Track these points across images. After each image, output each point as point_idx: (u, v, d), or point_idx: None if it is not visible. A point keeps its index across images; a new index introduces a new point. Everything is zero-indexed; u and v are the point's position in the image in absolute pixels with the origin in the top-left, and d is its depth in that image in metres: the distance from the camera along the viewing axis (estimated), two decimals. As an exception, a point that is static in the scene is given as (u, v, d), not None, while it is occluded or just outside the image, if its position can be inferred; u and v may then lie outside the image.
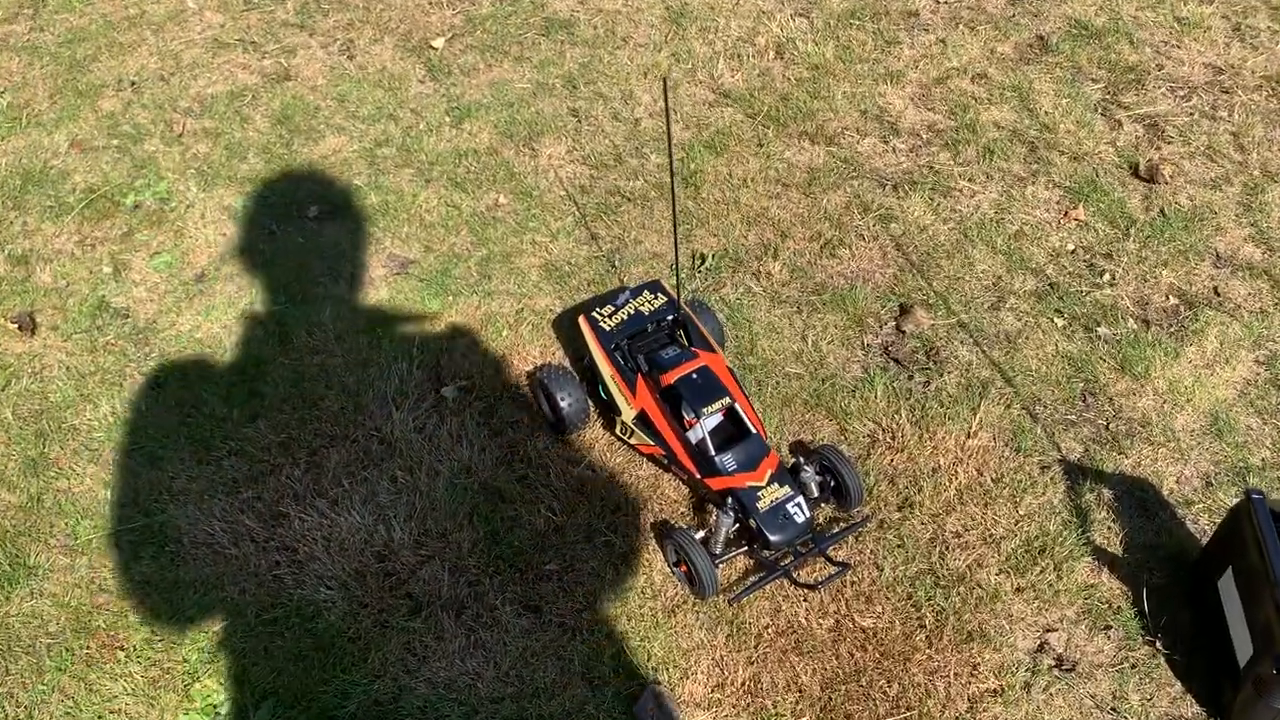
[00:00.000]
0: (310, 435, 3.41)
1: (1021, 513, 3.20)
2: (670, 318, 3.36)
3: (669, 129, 2.89)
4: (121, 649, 2.96)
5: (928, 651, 2.91)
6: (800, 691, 2.85)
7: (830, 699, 2.82)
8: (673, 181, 3.11)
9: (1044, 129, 4.41)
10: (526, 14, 5.06)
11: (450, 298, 3.83)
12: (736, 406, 3.13)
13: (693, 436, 3.11)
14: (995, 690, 2.85)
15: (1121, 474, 3.30)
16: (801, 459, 3.11)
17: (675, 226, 3.15)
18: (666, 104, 2.79)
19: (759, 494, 2.99)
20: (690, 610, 2.99)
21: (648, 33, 4.92)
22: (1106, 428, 3.43)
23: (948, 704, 2.82)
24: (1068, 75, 4.64)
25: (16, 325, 3.74)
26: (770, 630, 2.96)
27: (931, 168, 4.27)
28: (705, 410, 3.06)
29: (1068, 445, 3.38)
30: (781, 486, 3.02)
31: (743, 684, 2.86)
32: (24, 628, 3.00)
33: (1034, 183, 4.20)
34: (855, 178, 4.24)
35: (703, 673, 2.88)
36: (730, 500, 2.99)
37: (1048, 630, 2.97)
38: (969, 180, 4.21)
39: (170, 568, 3.11)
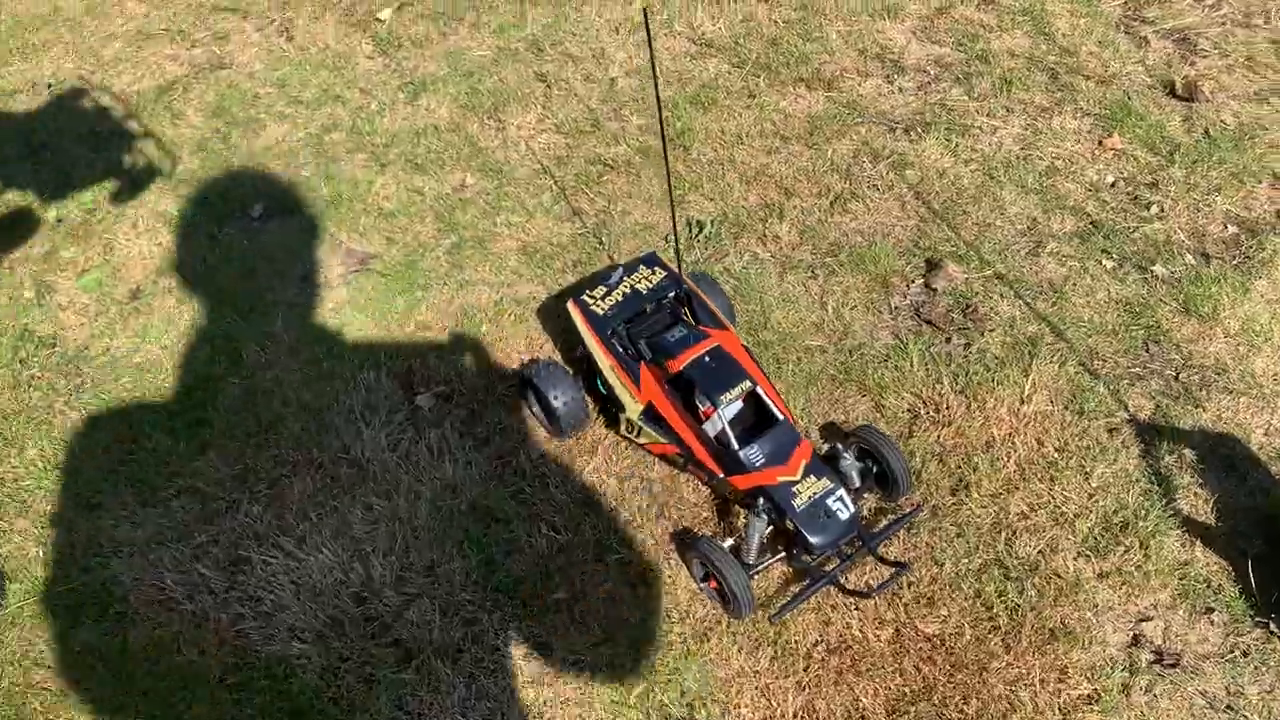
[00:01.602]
0: (268, 463, 2.96)
1: (1094, 485, 2.77)
2: (672, 294, 2.91)
3: (655, 72, 2.44)
4: (63, 735, 2.52)
5: (1006, 658, 2.48)
6: (863, 717, 2.42)
7: (900, 725, 2.40)
8: (663, 132, 2.67)
9: (1064, 53, 3.97)
10: (481, -25, 4.60)
11: (418, 293, 3.38)
12: (758, 390, 2.69)
13: (710, 429, 2.67)
14: (1090, 696, 2.43)
15: (1202, 430, 2.87)
16: (838, 444, 2.68)
17: (670, 188, 2.71)
18: (650, 44, 2.34)
19: (794, 490, 2.56)
20: (725, 633, 2.56)
21: (614, -15, 4.46)
22: (1176, 378, 3.00)
23: (1036, 716, 2.39)
24: (1082, -5, 4.20)
25: (-72, 365, 3.28)
26: (820, 648, 2.53)
27: (944, 105, 3.83)
28: (723, 398, 2.62)
29: (1135, 402, 2.95)
30: (819, 479, 2.58)
31: (795, 714, 2.43)
32: (-53, 719, 2.56)
33: (1060, 113, 3.76)
34: (861, 123, 3.80)
35: (747, 705, 2.45)
36: (761, 500, 2.55)
37: (1141, 620, 2.55)
38: (988, 116, 3.77)
39: (116, 632, 2.67)
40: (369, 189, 3.72)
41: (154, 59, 4.31)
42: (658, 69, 4.06)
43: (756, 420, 2.72)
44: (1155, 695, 2.41)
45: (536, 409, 2.99)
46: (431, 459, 2.94)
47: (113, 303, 3.44)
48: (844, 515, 2.55)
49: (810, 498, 2.55)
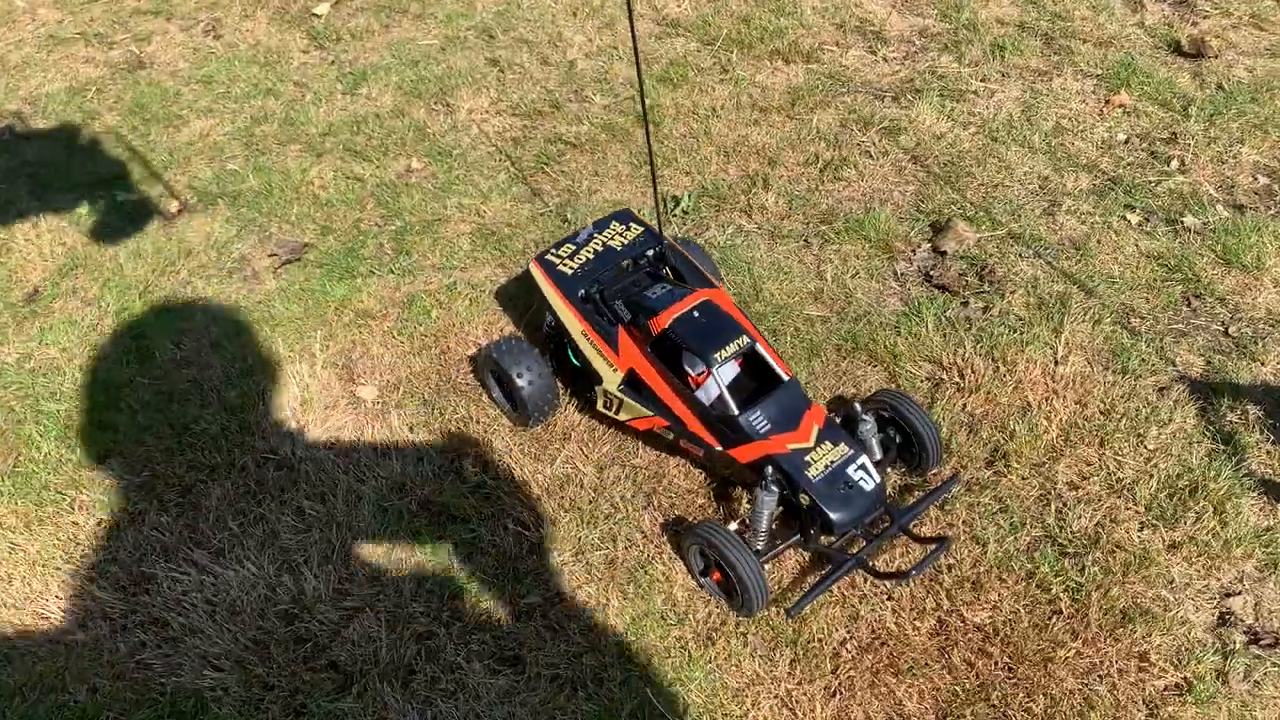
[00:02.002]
0: (181, 469, 2.50)
1: (1151, 448, 2.38)
2: (651, 252, 2.52)
3: (631, 20, 2.08)
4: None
5: (1074, 645, 2.05)
6: (910, 726, 1.97)
7: (955, 731, 1.95)
8: (640, 85, 2.30)
9: (1056, 18, 3.69)
10: (426, -30, 4.28)
11: (359, 281, 2.96)
12: (758, 348, 2.29)
13: (705, 395, 2.25)
14: (1179, 685, 1.99)
15: (1264, 384, 2.50)
16: (856, 406, 2.26)
17: (649, 143, 2.35)
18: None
19: (807, 459, 2.14)
20: (734, 634, 2.11)
21: (571, -24, 4.15)
22: (1226, 333, 2.64)
23: (1120, 713, 1.95)
24: (1068, -36, 3.94)
25: None
26: (851, 646, 2.08)
27: (934, 73, 3.52)
28: (717, 355, 2.21)
29: (1184, 359, 2.58)
30: (836, 445, 2.17)
31: (826, 726, 1.98)
32: None
33: (1059, 75, 3.46)
34: (846, 93, 3.47)
35: (766, 717, 1.99)
36: (770, 469, 2.12)
37: (1227, 595, 2.13)
38: (982, 80, 3.46)
39: (-13, 672, 2.17)
40: (303, 178, 3.32)
41: (67, 62, 3.93)
42: (619, 52, 3.73)
43: (758, 386, 2.31)
44: (1256, 682, 1.99)
45: (498, 394, 2.57)
46: (375, 456, 2.50)
47: (5, 306, 2.99)
48: (868, 486, 2.13)
49: (827, 467, 2.13)
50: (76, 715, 2.09)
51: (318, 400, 2.63)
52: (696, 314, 2.29)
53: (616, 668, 2.08)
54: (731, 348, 2.23)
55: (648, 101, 3.38)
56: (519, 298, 2.86)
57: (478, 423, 2.56)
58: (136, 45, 3.97)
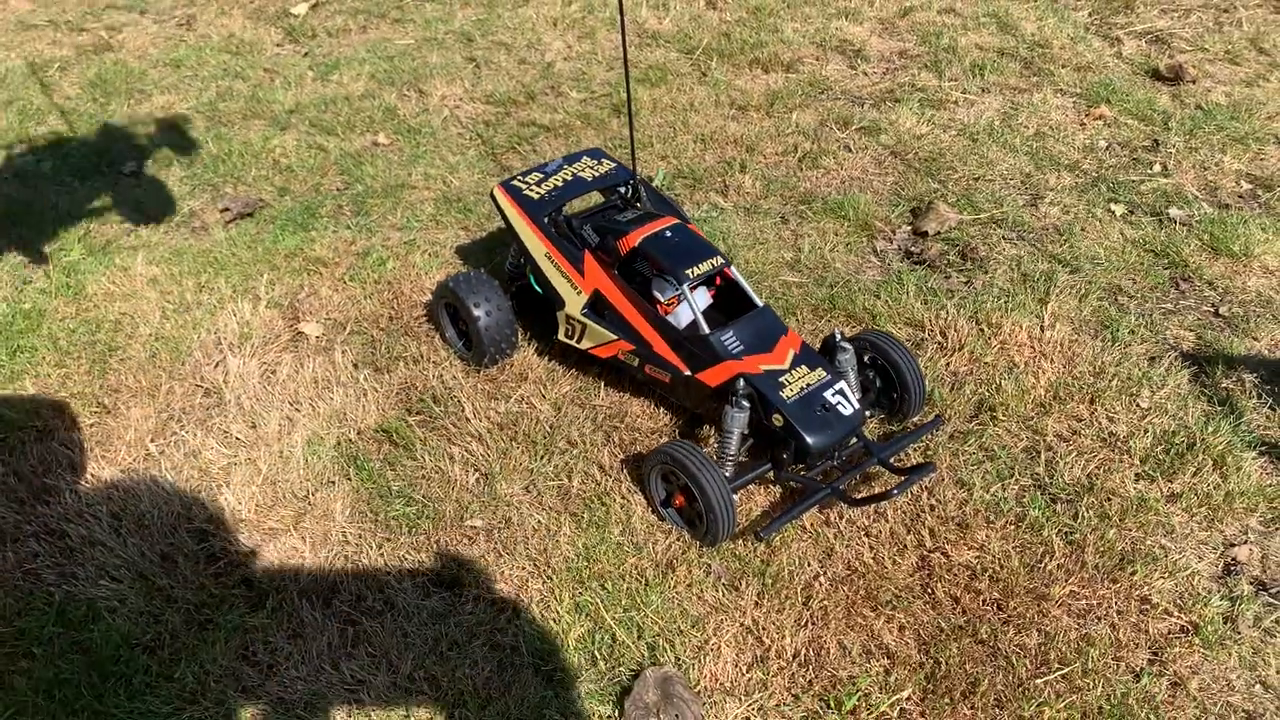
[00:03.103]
0: (100, 391, 2.30)
1: (1145, 406, 2.24)
2: (623, 186, 2.40)
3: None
4: None
5: (1068, 585, 1.86)
6: (890, 656, 1.76)
7: (939, 662, 1.74)
8: (623, 39, 2.23)
9: (1036, 46, 3.70)
10: (407, -16, 4.27)
11: (312, 234, 2.81)
12: (734, 271, 2.15)
13: (678, 320, 2.11)
14: (1185, 628, 1.80)
15: (1260, 356, 2.38)
16: (836, 333, 2.11)
17: (628, 89, 2.26)
18: None
19: (782, 379, 1.98)
20: (696, 563, 1.91)
21: (553, -5, 4.15)
22: (1216, 313, 2.53)
23: (1121, 653, 1.76)
24: (1045, 4, 3.99)
25: None
26: (824, 580, 1.88)
27: (914, 86, 3.49)
28: (690, 273, 2.07)
29: (1174, 334, 2.46)
30: (814, 369, 2.01)
31: (796, 654, 1.76)
32: None
33: (1039, 91, 3.44)
34: (825, 99, 3.43)
35: (729, 645, 1.77)
36: (741, 383, 1.96)
37: (1230, 545, 1.96)
38: (962, 93, 3.44)
39: None
40: (264, 146, 3.21)
41: (32, 43, 3.84)
42: (599, 57, 3.70)
43: (731, 312, 2.16)
44: (1269, 630, 1.80)
45: (451, 333, 2.40)
46: (316, 389, 2.31)
47: (-66, 244, 2.81)
48: (846, 411, 1.97)
49: (803, 389, 1.97)
50: (-54, 622, 1.84)
51: (257, 335, 2.45)
52: (669, 233, 2.16)
53: (565, 591, 1.86)
54: (705, 266, 2.10)
55: (624, 95, 3.33)
56: (480, 254, 2.72)
57: (430, 362, 2.38)
58: (107, 33, 3.89)
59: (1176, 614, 1.83)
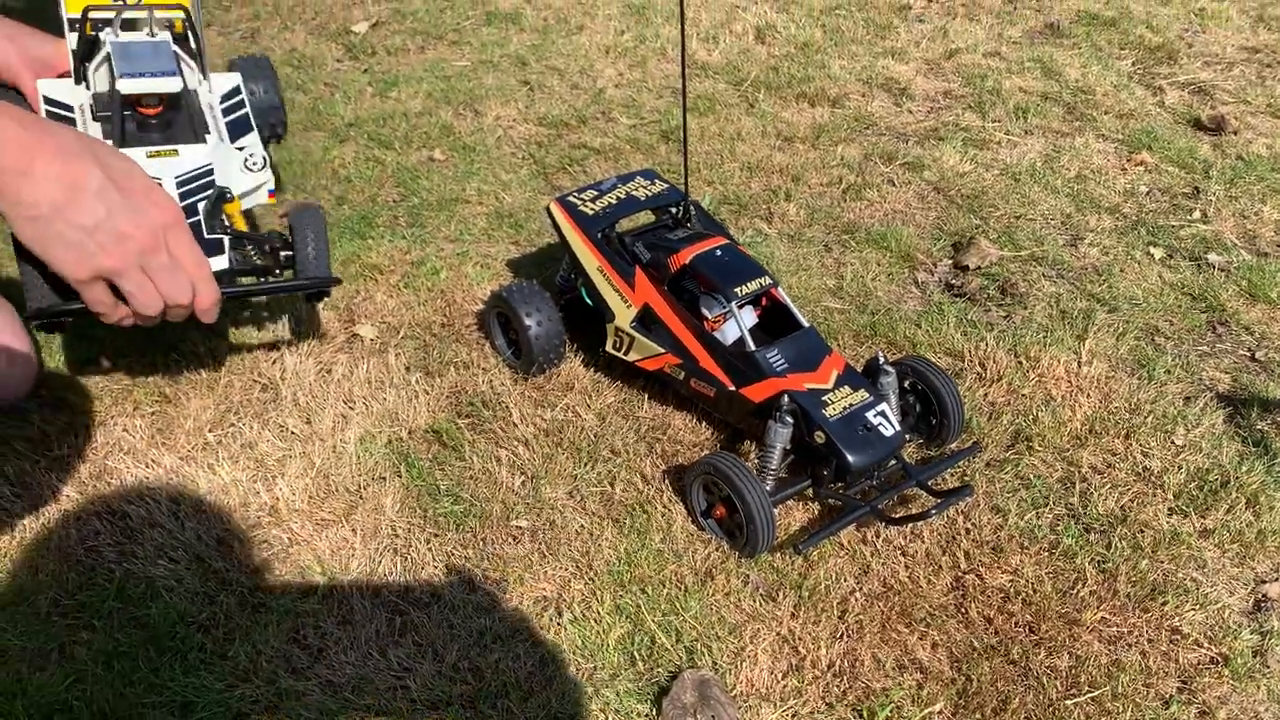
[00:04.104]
0: (160, 381, 2.38)
1: (1179, 444, 2.28)
2: (674, 208, 2.47)
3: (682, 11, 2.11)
4: None
5: (1100, 611, 1.90)
6: (923, 671, 1.80)
7: (970, 679, 1.78)
8: (683, 54, 2.31)
9: (1079, 92, 3.76)
10: (464, 7, 4.38)
11: (369, 241, 2.90)
12: (781, 292, 2.22)
13: (724, 337, 2.17)
14: (1214, 660, 1.83)
15: (1295, 401, 2.41)
16: (879, 355, 2.17)
17: (684, 103, 2.34)
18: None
19: (825, 398, 2.03)
20: (735, 573, 1.96)
21: (605, 24, 4.24)
22: (1252, 358, 2.57)
23: (1150, 680, 1.79)
24: (1089, 52, 4.05)
25: None
26: (860, 595, 1.93)
27: (958, 125, 3.56)
28: (739, 290, 2.14)
29: (1210, 375, 2.50)
30: (856, 390, 2.07)
31: (831, 665, 1.81)
32: None
33: (1081, 136, 3.50)
34: (870, 134, 3.50)
35: (765, 652, 1.82)
36: (785, 399, 2.02)
37: (1261, 582, 1.99)
38: (1005, 133, 3.50)
39: (-78, 548, 1.99)
40: (323, 156, 3.30)
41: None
42: (648, 85, 3.79)
43: (776, 331, 2.22)
44: (1298, 666, 1.83)
45: (500, 341, 2.47)
46: (369, 388, 2.38)
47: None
48: (887, 432, 2.02)
49: (846, 408, 2.03)
50: (13, 592, 1.90)
51: (313, 334, 2.53)
52: (719, 252, 2.23)
53: (607, 593, 1.92)
54: (753, 285, 2.16)
55: (673, 122, 3.41)
56: (531, 267, 2.79)
57: (480, 368, 2.45)
58: (173, 42, 4.01)
59: (1207, 645, 1.86)
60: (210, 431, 2.25)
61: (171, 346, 2.47)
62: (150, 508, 2.05)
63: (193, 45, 2.34)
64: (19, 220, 1.48)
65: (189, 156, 2.13)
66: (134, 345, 2.47)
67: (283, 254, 2.14)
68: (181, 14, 2.28)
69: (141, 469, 2.14)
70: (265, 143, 2.49)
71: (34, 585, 1.92)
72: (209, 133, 2.22)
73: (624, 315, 2.27)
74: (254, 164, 2.27)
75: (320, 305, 2.61)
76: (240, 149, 2.30)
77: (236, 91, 2.43)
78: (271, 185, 2.30)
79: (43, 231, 1.49)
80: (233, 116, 2.38)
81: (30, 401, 2.31)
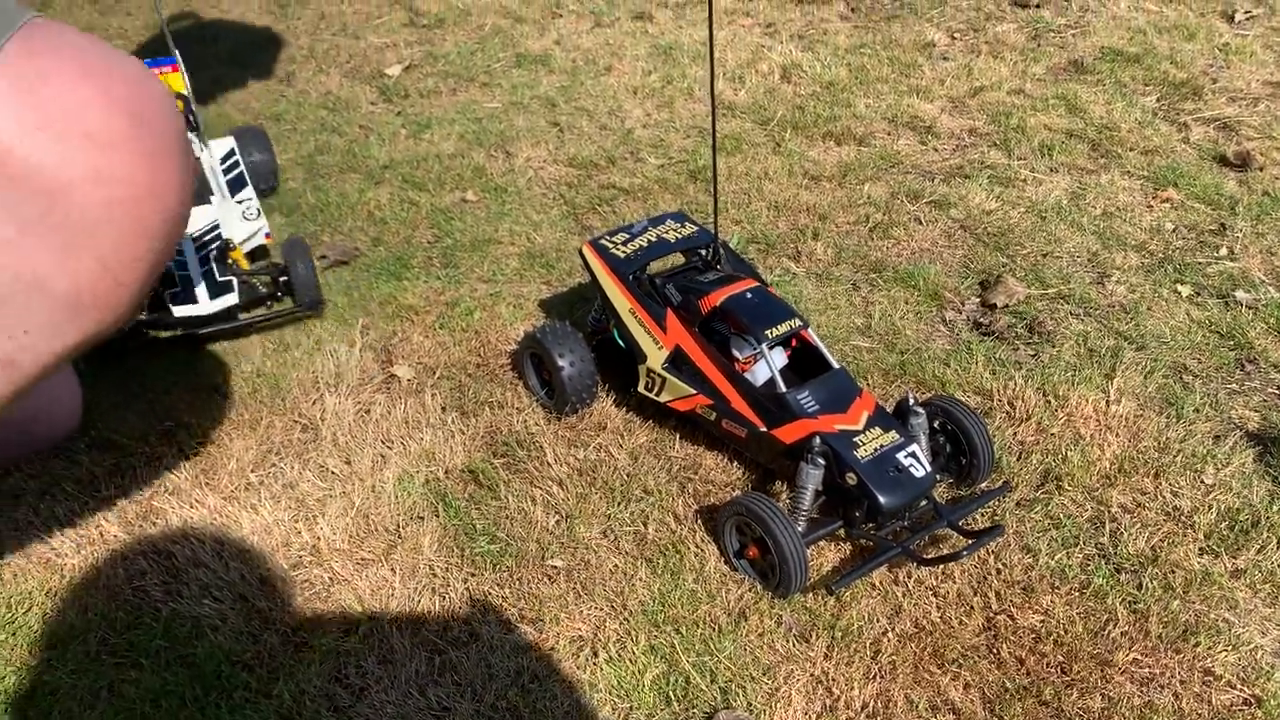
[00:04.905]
0: (206, 421, 2.44)
1: (1209, 483, 2.29)
2: (704, 249, 2.51)
3: (711, 30, 2.17)
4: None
5: (1132, 652, 1.91)
6: (955, 712, 1.82)
7: (1004, 719, 1.80)
8: (712, 90, 2.36)
9: (1103, 129, 3.79)
10: (495, 50, 4.46)
11: (404, 283, 2.96)
12: (811, 333, 2.25)
13: (755, 378, 2.20)
14: (1250, 701, 1.84)
15: (1325, 440, 2.42)
16: (909, 396, 2.20)
17: (714, 142, 2.39)
18: (711, 23, 2.08)
19: (856, 440, 2.06)
20: (768, 613, 1.99)
21: (633, 65, 4.31)
22: (1282, 396, 2.58)
23: (1185, 722, 1.80)
24: (1114, 89, 4.08)
25: None
26: (892, 636, 1.95)
27: (984, 163, 3.59)
28: (770, 333, 2.18)
29: (1239, 414, 2.51)
30: (887, 431, 2.10)
31: (864, 706, 1.83)
32: None
33: (1106, 173, 3.52)
34: (896, 172, 3.54)
35: (799, 693, 1.84)
36: (817, 441, 2.05)
37: (1294, 625, 2.00)
38: (1031, 171, 3.53)
39: (-26, 587, 2.05)
40: (359, 198, 3.38)
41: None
42: (675, 125, 3.85)
43: (807, 372, 2.26)
44: (1331, 708, 1.83)
45: (534, 381, 2.52)
46: (406, 428, 2.43)
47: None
48: (918, 473, 2.05)
49: (877, 449, 2.06)
50: (64, 631, 1.95)
51: (352, 376, 2.58)
52: (749, 295, 2.27)
53: (642, 633, 1.95)
54: (784, 327, 2.20)
55: (700, 161, 3.46)
56: (563, 307, 2.84)
57: (513, 407, 2.49)
58: (212, 88, 4.12)
59: (1240, 687, 1.87)
60: (253, 472, 2.30)
61: (214, 387, 2.53)
62: (195, 547, 2.10)
63: (192, 121, 2.92)
64: None
65: (199, 216, 2.63)
66: (177, 383, 2.53)
67: (281, 279, 2.71)
68: (181, 103, 2.83)
69: (186, 509, 2.19)
70: (261, 195, 3.14)
71: (84, 624, 1.97)
72: (213, 193, 2.76)
73: (655, 357, 2.31)
74: (250, 213, 2.85)
75: (357, 347, 2.67)
76: (239, 202, 2.87)
77: (232, 154, 3.04)
78: (267, 229, 2.91)
79: None
80: (230, 175, 2.97)
81: (79, 441, 2.37)
